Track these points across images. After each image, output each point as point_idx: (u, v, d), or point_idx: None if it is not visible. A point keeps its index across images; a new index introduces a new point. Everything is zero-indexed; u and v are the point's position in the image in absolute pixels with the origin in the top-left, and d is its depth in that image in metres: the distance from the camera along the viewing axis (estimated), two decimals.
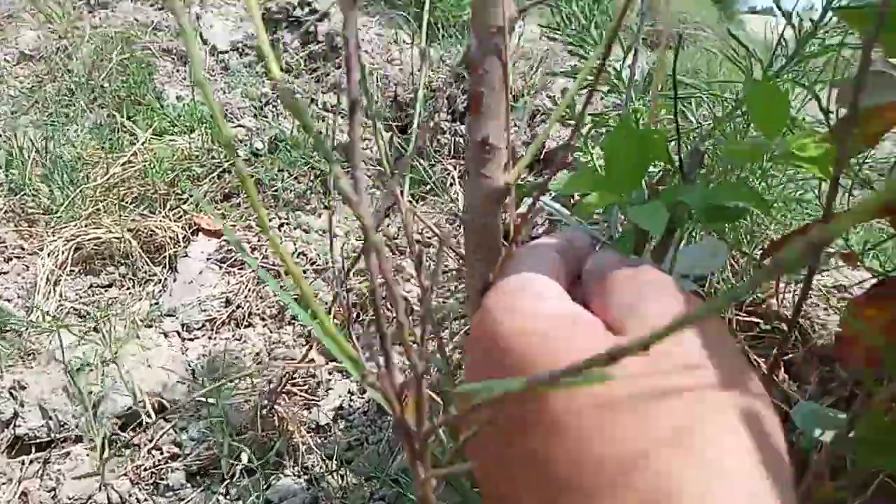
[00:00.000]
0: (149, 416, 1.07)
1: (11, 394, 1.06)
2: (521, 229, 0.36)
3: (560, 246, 0.37)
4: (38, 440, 1.02)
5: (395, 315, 0.24)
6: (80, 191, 1.45)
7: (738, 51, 0.84)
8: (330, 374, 1.15)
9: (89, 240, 1.40)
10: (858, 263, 1.08)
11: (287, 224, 1.47)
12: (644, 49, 3.47)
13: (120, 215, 1.43)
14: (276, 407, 1.00)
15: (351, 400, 1.09)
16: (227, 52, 1.98)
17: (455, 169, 1.42)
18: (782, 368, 0.91)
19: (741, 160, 0.40)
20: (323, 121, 1.64)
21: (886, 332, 0.56)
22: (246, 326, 1.29)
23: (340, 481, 0.98)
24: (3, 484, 0.96)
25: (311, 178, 1.50)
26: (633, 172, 0.38)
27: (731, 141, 0.42)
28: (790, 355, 0.91)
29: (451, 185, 1.41)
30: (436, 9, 2.22)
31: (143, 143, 1.50)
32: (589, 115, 0.89)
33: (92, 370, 1.16)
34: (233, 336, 1.27)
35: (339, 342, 0.23)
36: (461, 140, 1.40)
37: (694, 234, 0.89)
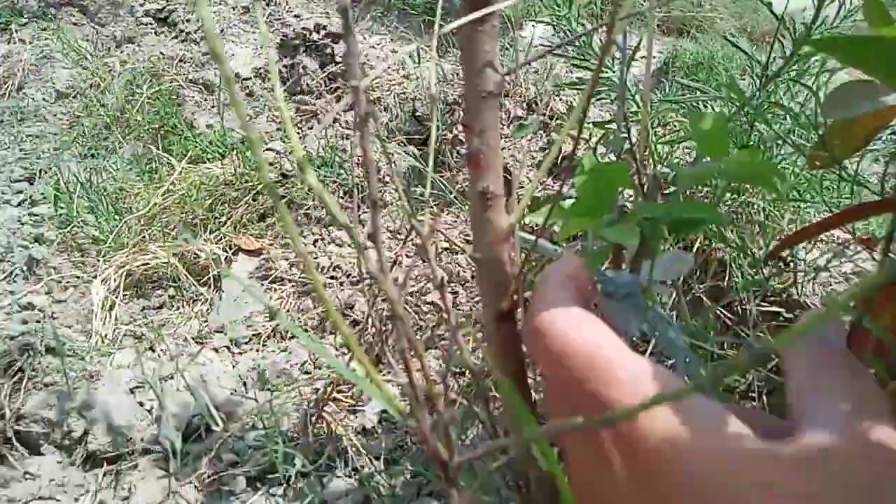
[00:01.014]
0: (207, 428, 1.15)
1: (81, 414, 1.14)
2: (526, 262, 0.42)
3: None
4: (108, 454, 1.11)
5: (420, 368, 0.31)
6: (125, 221, 1.54)
7: (754, 31, 0.88)
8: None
9: (138, 266, 1.49)
10: (876, 249, 1.12)
11: (321, 240, 1.55)
12: (659, 35, 3.49)
13: (164, 241, 1.52)
14: (323, 414, 1.08)
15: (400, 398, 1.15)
16: (250, 78, 2.06)
17: None
18: None
19: (693, 182, 0.46)
20: (347, 139, 1.72)
21: (893, 322, 0.61)
22: (290, 338, 1.37)
23: (389, 480, 1.05)
24: (82, 496, 1.05)
25: (341, 194, 1.58)
26: (603, 200, 0.44)
27: (678, 168, 0.48)
28: None
29: None
30: (451, 20, 2.29)
31: (179, 173, 1.59)
32: (593, 123, 0.95)
33: (151, 388, 1.25)
34: (279, 349, 1.35)
35: (377, 384, 0.30)
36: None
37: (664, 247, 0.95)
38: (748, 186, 0.95)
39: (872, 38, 0.45)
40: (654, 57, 3.05)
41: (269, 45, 2.21)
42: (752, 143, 0.90)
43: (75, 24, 2.74)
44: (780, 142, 0.87)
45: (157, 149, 1.75)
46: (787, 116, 0.95)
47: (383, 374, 1.22)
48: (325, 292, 0.28)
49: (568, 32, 1.07)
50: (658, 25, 3.52)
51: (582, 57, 1.09)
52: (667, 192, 0.64)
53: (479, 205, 0.43)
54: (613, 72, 1.05)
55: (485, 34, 0.41)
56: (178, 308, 1.47)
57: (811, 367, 0.31)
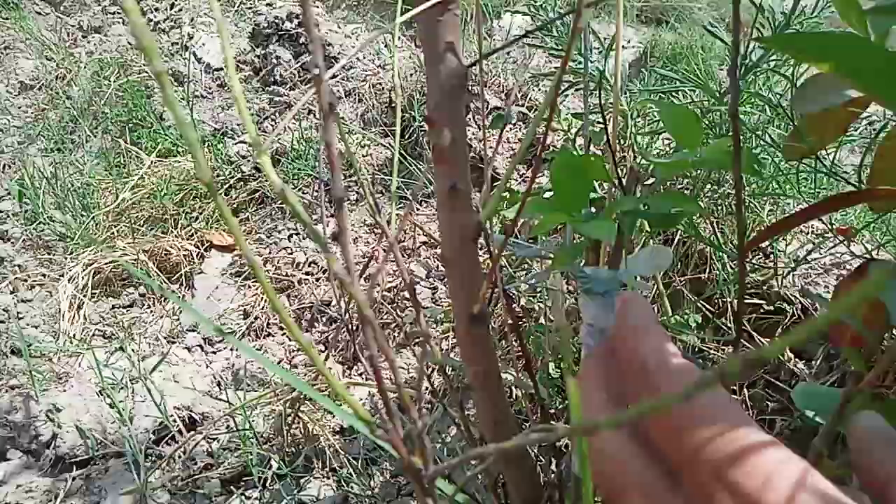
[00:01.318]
0: (180, 430, 1.12)
1: (49, 416, 1.11)
2: (497, 260, 0.40)
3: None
4: (78, 458, 1.07)
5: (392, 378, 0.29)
6: (93, 217, 1.50)
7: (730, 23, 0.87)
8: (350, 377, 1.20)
9: (107, 263, 1.44)
10: (854, 240, 1.12)
11: (296, 234, 1.52)
12: (638, 25, 3.49)
13: (133, 237, 1.48)
14: (299, 414, 1.05)
15: (372, 401, 1.13)
16: (221, 69, 2.02)
17: None
18: (788, 347, 0.95)
19: (669, 173, 0.45)
20: (319, 130, 1.69)
21: (866, 313, 0.60)
22: (265, 336, 1.34)
23: (368, 480, 1.03)
24: (50, 501, 1.01)
25: (316, 188, 1.55)
26: (579, 194, 0.43)
27: (653, 158, 0.46)
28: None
29: None
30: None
31: (148, 167, 1.55)
32: (572, 114, 0.93)
33: (122, 388, 1.21)
34: (254, 346, 1.32)
35: (350, 403, 0.28)
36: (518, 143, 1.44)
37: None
38: (728, 179, 0.94)
39: (831, 34, 0.43)
40: (634, 47, 3.05)
41: (241, 36, 2.16)
42: (729, 133, 0.89)
43: (39, 13, 2.66)
44: (757, 133, 0.86)
45: (126, 142, 1.70)
46: (767, 107, 0.94)
47: (359, 374, 1.20)
48: (273, 294, 0.26)
49: (546, 22, 1.05)
50: (637, 15, 3.52)
51: (559, 47, 1.07)
52: (646, 183, 0.62)
53: (446, 203, 0.41)
54: (592, 61, 1.04)
55: (446, 23, 0.39)
56: (148, 306, 1.44)
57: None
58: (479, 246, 0.45)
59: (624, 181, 0.55)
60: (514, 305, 1.05)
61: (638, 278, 0.57)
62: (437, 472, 0.30)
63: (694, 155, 0.43)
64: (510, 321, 0.55)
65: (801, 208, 0.67)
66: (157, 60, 0.21)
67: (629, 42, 3.11)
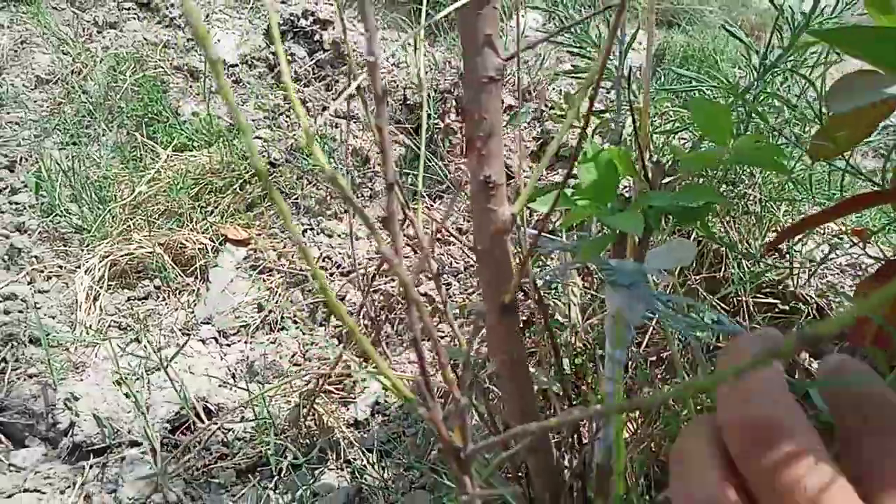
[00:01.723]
0: (195, 420, 1.13)
1: (66, 405, 1.12)
2: (530, 254, 0.41)
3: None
4: (95, 446, 1.09)
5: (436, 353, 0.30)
6: (109, 210, 1.51)
7: (744, 25, 0.88)
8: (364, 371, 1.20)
9: (123, 255, 1.46)
10: (870, 242, 1.12)
11: (311, 230, 1.53)
12: (654, 29, 3.50)
13: (150, 231, 1.49)
14: (315, 406, 1.06)
15: (386, 396, 1.14)
16: (236, 65, 2.03)
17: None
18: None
19: (696, 167, 0.45)
20: (336, 127, 1.70)
21: (889, 314, 0.60)
22: (280, 330, 1.35)
23: (382, 472, 1.04)
24: (68, 488, 1.03)
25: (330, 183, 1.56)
26: (607, 187, 0.43)
27: (680, 152, 0.47)
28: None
29: (467, 182, 1.46)
30: (440, 7, 2.27)
31: (165, 161, 1.56)
32: (594, 112, 0.94)
33: (138, 379, 1.22)
34: (268, 340, 1.33)
35: (384, 372, 0.28)
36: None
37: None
38: (745, 178, 0.94)
39: (876, 28, 0.44)
40: (644, 49, 3.05)
41: (256, 33, 2.17)
42: (749, 133, 0.90)
43: (55, 8, 2.68)
44: (775, 133, 0.86)
45: (142, 136, 1.71)
46: (785, 108, 0.95)
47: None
48: (325, 283, 0.27)
49: (564, 19, 1.05)
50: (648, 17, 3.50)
51: (579, 45, 1.08)
52: (666, 180, 0.63)
53: (482, 195, 0.41)
54: (611, 60, 1.04)
55: (485, 16, 0.39)
56: (164, 299, 1.45)
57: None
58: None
59: (650, 176, 0.56)
60: (529, 301, 1.06)
61: (661, 271, 0.58)
62: (476, 450, 0.31)
63: (722, 150, 0.43)
64: (541, 314, 0.56)
65: (815, 210, 0.67)
66: (212, 49, 0.22)
67: (640, 44, 3.11)
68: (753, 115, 0.87)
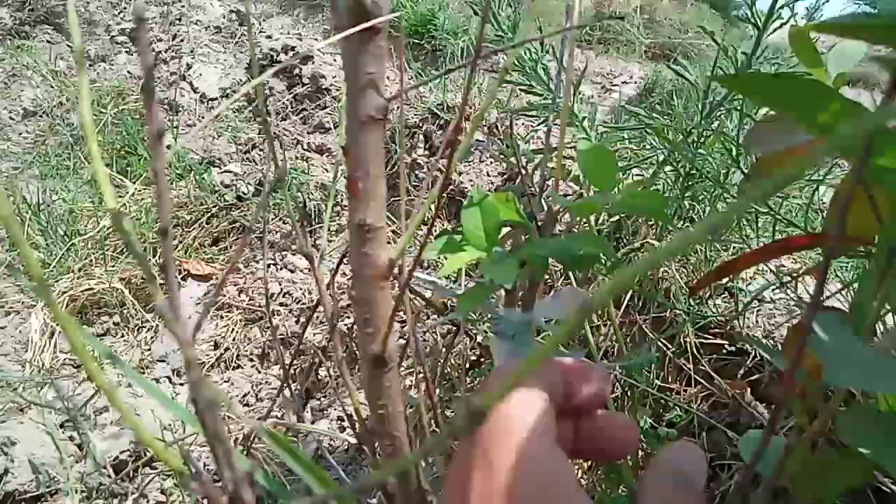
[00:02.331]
0: (136, 464, 1.10)
1: (2, 450, 1.09)
2: (402, 299, 0.38)
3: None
4: (28, 494, 1.05)
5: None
6: (73, 244, 1.50)
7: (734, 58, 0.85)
8: (312, 414, 1.17)
9: (83, 291, 1.44)
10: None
11: (274, 265, 1.50)
12: (644, 61, 3.49)
13: (111, 266, 1.47)
14: (252, 451, 1.02)
15: (331, 440, 1.10)
16: (216, 98, 2.03)
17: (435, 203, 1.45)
18: (748, 390, 0.91)
19: (582, 214, 0.42)
20: (306, 161, 1.68)
21: (811, 365, 0.56)
22: (234, 368, 1.32)
23: None
24: None
25: (296, 218, 1.54)
26: (488, 233, 0.40)
27: (559, 199, 0.44)
28: (756, 376, 0.91)
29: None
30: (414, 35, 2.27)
31: (131, 195, 1.55)
32: (532, 150, 0.91)
33: (85, 421, 1.19)
34: (221, 379, 1.29)
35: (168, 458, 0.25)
36: (439, 174, 1.43)
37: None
38: (693, 216, 0.91)
39: (786, 77, 0.41)
40: (636, 82, 3.04)
41: (239, 66, 2.18)
42: (696, 171, 0.86)
43: (50, 41, 2.72)
44: (710, 177, 0.83)
45: (112, 170, 1.71)
46: (734, 146, 0.91)
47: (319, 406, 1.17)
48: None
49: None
50: (645, 51, 3.52)
51: (529, 84, 1.05)
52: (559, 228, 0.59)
53: (357, 237, 0.39)
54: (560, 97, 1.02)
55: (369, 54, 0.37)
56: (122, 335, 1.42)
57: None
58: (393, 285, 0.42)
59: (538, 223, 0.53)
60: (472, 342, 1.02)
61: (553, 321, 0.54)
62: None
63: (606, 198, 0.40)
64: (419, 364, 0.53)
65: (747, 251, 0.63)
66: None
67: (631, 77, 3.10)
68: (697, 156, 0.84)
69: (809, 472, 0.53)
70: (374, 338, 0.44)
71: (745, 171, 0.76)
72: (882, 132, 0.30)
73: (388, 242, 0.43)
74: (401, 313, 0.42)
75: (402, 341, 1.10)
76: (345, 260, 0.56)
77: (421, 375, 0.52)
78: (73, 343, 0.24)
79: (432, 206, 0.40)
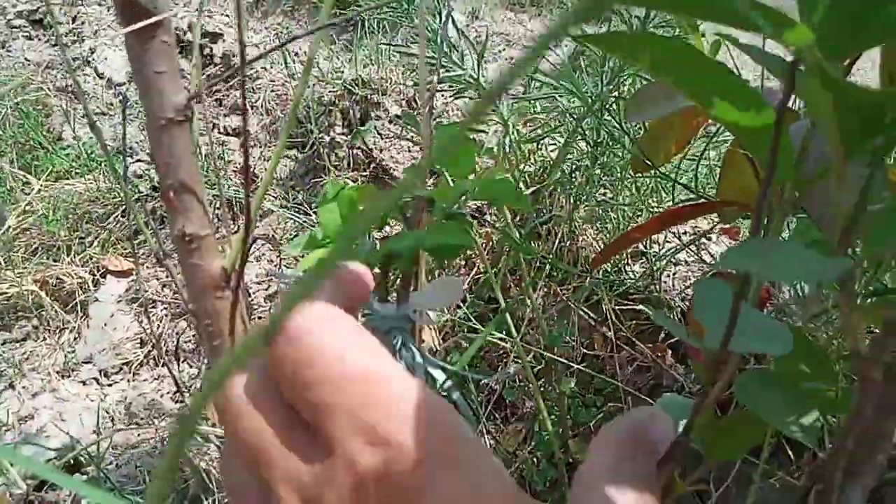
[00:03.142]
0: (70, 470, 1.07)
1: None
2: (235, 307, 0.37)
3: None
4: None
5: None
6: None
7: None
8: None
9: None
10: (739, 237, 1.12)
11: None
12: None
13: (23, 268, 1.40)
14: (186, 450, 1.01)
15: None
16: (124, 83, 1.94)
17: (357, 182, 1.43)
18: (669, 353, 0.95)
19: (441, 202, 0.43)
20: (223, 145, 1.63)
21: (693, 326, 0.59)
22: (163, 365, 1.29)
23: None
24: None
25: (217, 206, 1.50)
26: (348, 227, 0.40)
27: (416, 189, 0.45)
28: (676, 339, 0.95)
29: None
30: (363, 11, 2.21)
31: (37, 192, 1.48)
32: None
33: (8, 430, 1.15)
34: (151, 377, 1.26)
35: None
36: (359, 153, 1.41)
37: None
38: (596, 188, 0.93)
39: (645, 35, 0.41)
40: (566, 45, 3.05)
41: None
42: (600, 140, 0.88)
43: None
44: (611, 142, 0.85)
45: (13, 166, 1.62)
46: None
47: None
48: None
49: None
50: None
51: (433, 57, 1.04)
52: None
53: (183, 249, 0.38)
54: (463, 69, 1.01)
55: (154, 51, 0.35)
56: (43, 339, 1.37)
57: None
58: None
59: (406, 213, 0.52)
60: None
61: (428, 312, 0.55)
62: None
63: (463, 186, 0.41)
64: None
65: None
66: None
67: (565, 41, 3.11)
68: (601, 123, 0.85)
69: (716, 431, 0.56)
70: (222, 348, 0.44)
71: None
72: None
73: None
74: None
75: None
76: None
77: None
78: None
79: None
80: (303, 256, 0.44)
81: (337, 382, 0.22)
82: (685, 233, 1.00)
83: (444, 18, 0.99)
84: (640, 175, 0.89)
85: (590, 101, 0.90)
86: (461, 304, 1.02)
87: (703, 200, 0.64)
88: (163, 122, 0.33)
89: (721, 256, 0.30)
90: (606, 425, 0.30)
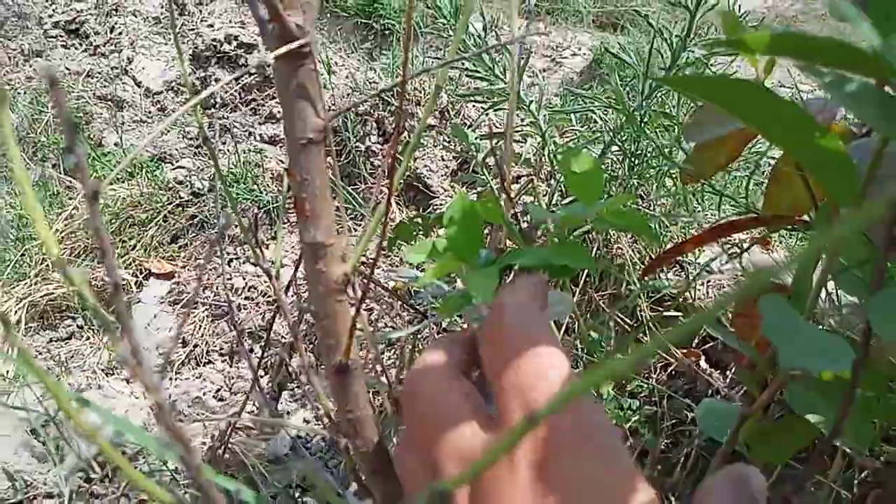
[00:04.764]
0: (112, 466, 1.11)
1: None
2: (358, 312, 0.41)
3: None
4: (5, 501, 1.06)
5: None
6: (26, 250, 1.47)
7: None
8: (288, 404, 1.20)
9: (42, 296, 1.42)
10: (772, 250, 1.14)
11: (236, 259, 1.51)
12: (593, 30, 3.52)
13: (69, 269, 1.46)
14: (229, 445, 1.05)
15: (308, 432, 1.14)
16: (161, 92, 2.00)
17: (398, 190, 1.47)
18: (703, 358, 0.97)
19: (566, 226, 0.45)
20: (259, 153, 1.68)
21: (760, 337, 0.62)
22: (205, 364, 1.33)
23: None
24: None
25: (255, 210, 1.55)
26: (470, 240, 0.43)
27: (541, 211, 0.47)
28: (710, 344, 0.98)
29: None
30: (386, 21, 2.26)
31: (82, 196, 1.53)
32: (480, 136, 0.94)
33: (55, 426, 1.19)
34: (192, 375, 1.31)
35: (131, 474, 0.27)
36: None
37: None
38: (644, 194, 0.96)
39: (718, 79, 0.45)
40: (585, 54, 3.08)
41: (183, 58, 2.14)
42: (639, 153, 0.92)
43: None
44: (663, 154, 0.88)
45: (59, 172, 1.67)
46: (675, 126, 0.97)
47: (293, 399, 1.20)
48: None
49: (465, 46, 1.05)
50: (592, 20, 3.57)
51: (475, 70, 1.08)
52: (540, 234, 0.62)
53: (311, 256, 0.41)
54: (505, 82, 1.05)
55: (302, 76, 0.39)
56: (87, 338, 1.42)
57: None
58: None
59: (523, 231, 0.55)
60: (438, 328, 1.06)
61: None
62: None
63: (588, 212, 0.43)
64: (381, 370, 0.56)
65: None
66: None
67: (580, 49, 3.14)
68: (642, 135, 0.89)
69: (762, 436, 0.58)
70: (337, 349, 0.47)
71: (686, 151, 0.81)
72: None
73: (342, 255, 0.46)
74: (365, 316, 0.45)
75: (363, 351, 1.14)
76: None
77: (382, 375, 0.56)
78: (25, 358, 0.23)
79: (383, 203, 0.43)
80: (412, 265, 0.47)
81: (524, 368, 0.28)
82: (726, 243, 1.03)
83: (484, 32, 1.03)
84: (677, 186, 0.92)
85: (626, 114, 0.93)
86: None
87: (752, 214, 0.67)
88: (303, 142, 0.37)
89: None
90: (707, 479, 0.31)
